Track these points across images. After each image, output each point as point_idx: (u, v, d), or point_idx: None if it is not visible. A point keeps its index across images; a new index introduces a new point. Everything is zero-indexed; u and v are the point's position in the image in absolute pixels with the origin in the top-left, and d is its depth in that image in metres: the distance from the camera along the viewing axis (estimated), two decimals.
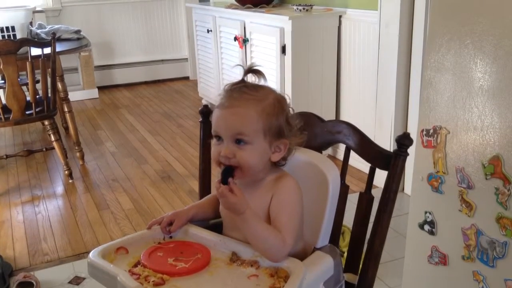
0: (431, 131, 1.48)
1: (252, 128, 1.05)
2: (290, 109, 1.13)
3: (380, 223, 1.17)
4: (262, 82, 1.11)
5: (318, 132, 1.29)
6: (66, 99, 3.42)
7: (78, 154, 3.46)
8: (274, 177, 1.12)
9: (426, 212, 1.54)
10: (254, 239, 1.04)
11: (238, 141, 1.05)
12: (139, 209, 2.79)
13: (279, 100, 1.10)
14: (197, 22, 4.54)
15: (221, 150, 1.06)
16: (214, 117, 1.08)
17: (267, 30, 3.29)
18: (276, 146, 1.09)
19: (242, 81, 1.10)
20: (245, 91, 1.07)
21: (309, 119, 1.30)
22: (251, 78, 1.12)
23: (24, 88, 3.03)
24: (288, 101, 1.12)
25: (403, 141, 1.14)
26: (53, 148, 3.18)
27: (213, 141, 1.10)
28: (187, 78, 5.84)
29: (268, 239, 1.03)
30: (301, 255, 1.10)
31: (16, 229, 2.62)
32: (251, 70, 1.10)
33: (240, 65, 1.14)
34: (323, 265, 1.08)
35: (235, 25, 3.71)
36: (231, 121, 1.05)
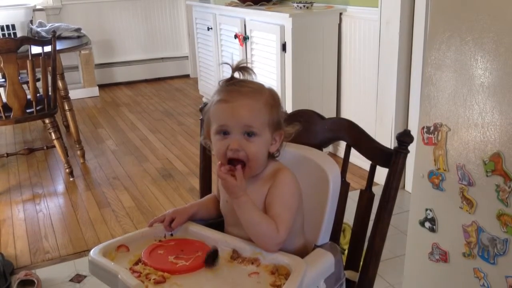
0: (432, 128, 1.48)
1: (260, 120, 1.06)
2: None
3: (381, 220, 1.17)
4: (249, 78, 1.11)
5: (319, 129, 1.29)
6: (66, 97, 3.42)
7: (79, 152, 3.46)
8: (271, 170, 1.12)
9: (426, 209, 1.54)
10: (247, 224, 1.05)
11: (247, 134, 1.06)
12: (140, 207, 2.79)
13: (273, 93, 1.12)
14: (197, 20, 4.54)
15: (229, 143, 1.06)
16: (218, 112, 1.07)
17: (268, 28, 3.29)
18: (273, 138, 1.11)
19: (232, 77, 1.10)
20: (243, 85, 1.08)
21: (309, 117, 1.30)
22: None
23: (25, 86, 3.03)
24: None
25: (404, 138, 1.14)
26: (53, 146, 3.18)
27: (216, 137, 1.08)
28: (187, 76, 5.83)
29: (261, 225, 1.04)
30: (302, 253, 1.10)
31: (17, 227, 2.62)
32: (239, 67, 1.10)
33: (227, 63, 1.13)
34: (324, 262, 1.08)
35: (235, 22, 3.71)
36: (241, 113, 1.05)
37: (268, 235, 1.04)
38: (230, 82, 1.09)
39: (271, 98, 1.09)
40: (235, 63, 1.10)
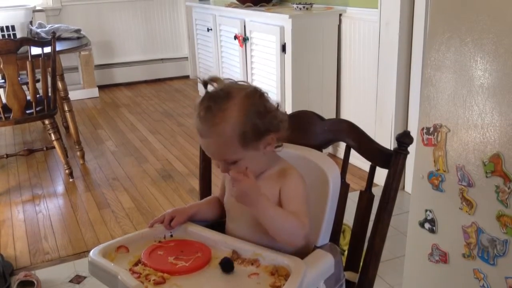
0: (432, 129, 1.48)
1: (231, 150, 1.06)
2: (260, 98, 1.08)
3: (381, 221, 1.17)
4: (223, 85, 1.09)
5: (319, 130, 1.29)
6: (66, 98, 3.42)
7: (78, 153, 3.46)
8: (277, 169, 1.13)
9: (426, 210, 1.54)
10: (273, 225, 1.04)
11: (227, 163, 1.08)
12: (139, 208, 2.79)
13: (245, 103, 1.05)
14: (197, 21, 4.54)
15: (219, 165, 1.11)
16: (200, 143, 1.13)
17: (267, 29, 3.29)
18: (265, 142, 1.08)
19: (205, 96, 1.07)
20: (211, 112, 1.04)
21: (309, 118, 1.30)
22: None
23: (24, 87, 3.03)
24: (255, 87, 1.10)
25: (404, 139, 1.14)
26: (53, 147, 3.18)
27: None
28: (187, 77, 5.83)
29: (286, 221, 1.04)
30: (302, 253, 1.10)
31: (17, 228, 2.62)
32: (208, 83, 1.08)
33: (199, 79, 1.13)
34: (324, 263, 1.08)
35: (235, 23, 3.71)
36: (212, 150, 1.08)
37: (296, 230, 1.05)
38: (201, 108, 1.07)
39: (242, 113, 1.04)
40: (206, 77, 1.09)
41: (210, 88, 1.08)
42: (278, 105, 1.11)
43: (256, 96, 1.08)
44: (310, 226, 1.08)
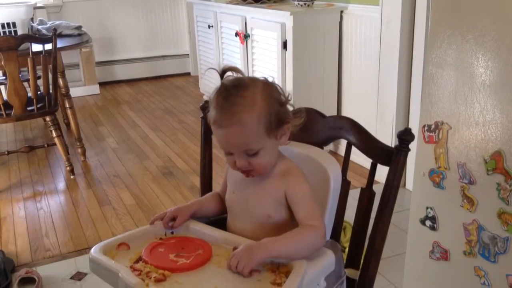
0: (433, 126, 1.48)
1: (256, 138, 1.05)
2: (277, 87, 1.10)
3: (382, 218, 1.17)
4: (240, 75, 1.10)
5: (320, 127, 1.29)
6: (67, 95, 3.42)
7: (79, 150, 3.46)
8: (283, 167, 1.12)
9: (427, 208, 1.54)
10: (295, 254, 1.03)
11: (248, 153, 1.06)
12: (140, 205, 2.79)
13: (266, 90, 1.07)
14: (198, 17, 4.53)
15: (235, 160, 1.07)
16: (216, 136, 1.08)
17: (268, 26, 3.29)
18: (281, 132, 1.10)
19: (222, 86, 1.06)
20: (233, 101, 1.03)
21: (310, 115, 1.30)
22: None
23: (26, 84, 3.03)
24: (271, 80, 1.11)
25: (405, 136, 1.14)
26: (54, 144, 3.18)
27: (223, 151, 1.10)
28: (188, 74, 5.83)
29: (301, 240, 1.04)
30: None
31: (18, 225, 2.63)
32: (225, 70, 1.09)
33: (213, 68, 1.13)
34: (325, 260, 1.08)
35: (236, 20, 3.70)
36: (235, 140, 1.05)
37: (314, 240, 1.05)
38: (220, 98, 1.04)
39: (264, 102, 1.05)
40: (221, 66, 1.09)
41: (226, 78, 1.08)
42: (289, 95, 1.12)
43: (274, 85, 1.10)
44: (324, 221, 1.09)
